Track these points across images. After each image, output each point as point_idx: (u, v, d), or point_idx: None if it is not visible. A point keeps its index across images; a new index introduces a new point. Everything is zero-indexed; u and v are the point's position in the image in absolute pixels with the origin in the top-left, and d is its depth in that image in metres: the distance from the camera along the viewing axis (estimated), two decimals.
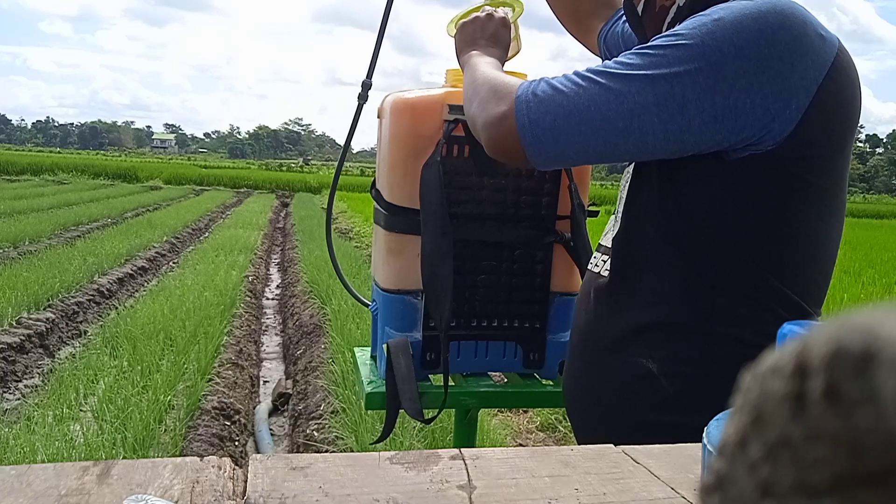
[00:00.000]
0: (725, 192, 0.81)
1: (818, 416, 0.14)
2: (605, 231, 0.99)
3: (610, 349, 0.91)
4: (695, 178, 0.82)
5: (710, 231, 0.82)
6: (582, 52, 1.28)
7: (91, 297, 4.99)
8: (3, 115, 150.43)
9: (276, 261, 8.07)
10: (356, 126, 1.32)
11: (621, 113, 0.76)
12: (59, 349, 4.04)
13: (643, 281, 0.87)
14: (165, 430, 2.67)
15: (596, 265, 0.97)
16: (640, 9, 0.90)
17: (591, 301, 0.94)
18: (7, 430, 2.56)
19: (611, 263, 0.91)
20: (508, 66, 1.07)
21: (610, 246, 0.93)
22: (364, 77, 1.27)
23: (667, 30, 0.84)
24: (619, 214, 0.92)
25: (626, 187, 0.92)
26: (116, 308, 4.74)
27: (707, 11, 0.78)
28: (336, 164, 1.38)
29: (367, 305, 1.32)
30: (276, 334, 4.92)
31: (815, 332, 0.15)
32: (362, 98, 1.27)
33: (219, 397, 3.08)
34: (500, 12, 1.08)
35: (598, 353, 0.93)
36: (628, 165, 0.93)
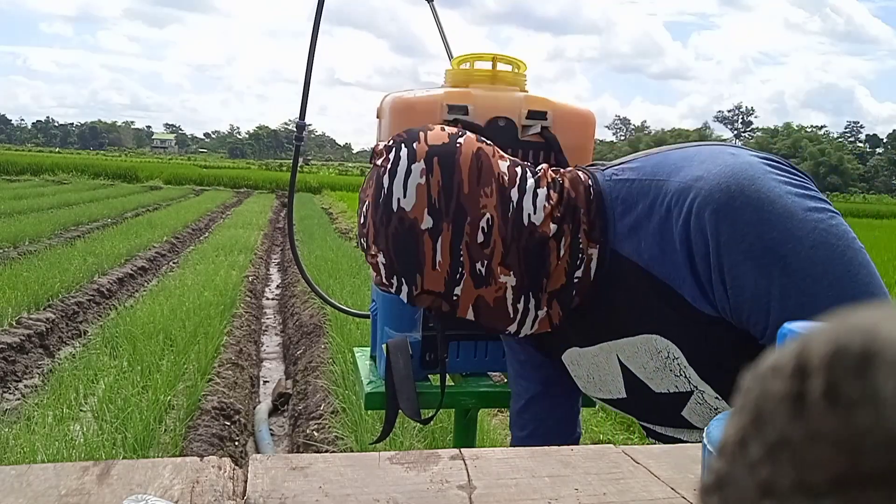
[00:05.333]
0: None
1: (818, 416, 0.14)
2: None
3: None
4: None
5: None
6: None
7: (91, 297, 4.98)
8: (3, 115, 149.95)
9: (276, 261, 8.07)
10: (297, 166, 1.46)
11: None
12: (59, 349, 4.04)
13: None
14: (165, 430, 2.67)
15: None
16: None
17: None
18: (7, 430, 2.56)
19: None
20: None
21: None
22: (297, 118, 1.33)
23: None
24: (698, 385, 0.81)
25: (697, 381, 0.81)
26: (116, 308, 4.74)
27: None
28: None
29: (347, 312, 1.33)
30: (276, 334, 4.92)
31: (815, 333, 0.15)
32: (299, 139, 1.33)
33: (219, 397, 3.07)
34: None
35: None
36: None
